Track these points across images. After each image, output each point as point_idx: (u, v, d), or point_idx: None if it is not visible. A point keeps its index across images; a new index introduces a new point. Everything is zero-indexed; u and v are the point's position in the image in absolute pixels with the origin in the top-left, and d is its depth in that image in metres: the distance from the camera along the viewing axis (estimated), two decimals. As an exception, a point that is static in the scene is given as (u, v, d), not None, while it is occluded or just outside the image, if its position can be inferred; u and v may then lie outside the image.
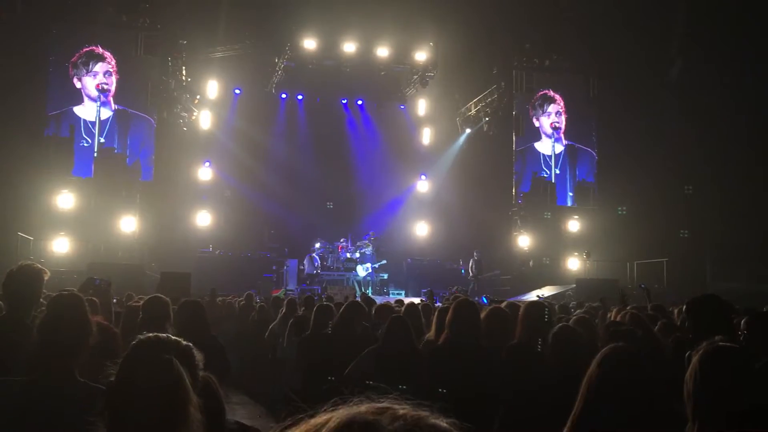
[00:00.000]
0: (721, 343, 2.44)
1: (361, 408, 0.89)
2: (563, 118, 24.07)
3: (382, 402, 0.90)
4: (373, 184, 24.98)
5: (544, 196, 23.21)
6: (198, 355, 2.09)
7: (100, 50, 20.23)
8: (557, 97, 24.07)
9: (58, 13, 20.07)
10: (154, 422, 1.86)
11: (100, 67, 20.18)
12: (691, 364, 2.41)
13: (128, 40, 20.75)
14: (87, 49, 20.13)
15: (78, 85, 20.04)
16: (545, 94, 24.04)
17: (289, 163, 24.52)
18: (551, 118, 23.94)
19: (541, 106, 24.03)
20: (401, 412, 0.88)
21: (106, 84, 20.06)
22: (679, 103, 21.66)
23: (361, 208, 24.65)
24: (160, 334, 2.05)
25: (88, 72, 20.08)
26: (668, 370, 4.57)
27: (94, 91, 19.97)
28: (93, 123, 20.03)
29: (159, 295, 4.51)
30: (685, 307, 4.31)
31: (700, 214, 20.96)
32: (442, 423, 0.88)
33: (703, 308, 4.02)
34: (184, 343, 2.07)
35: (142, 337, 2.04)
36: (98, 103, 19.95)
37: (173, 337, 2.06)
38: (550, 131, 23.86)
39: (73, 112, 19.98)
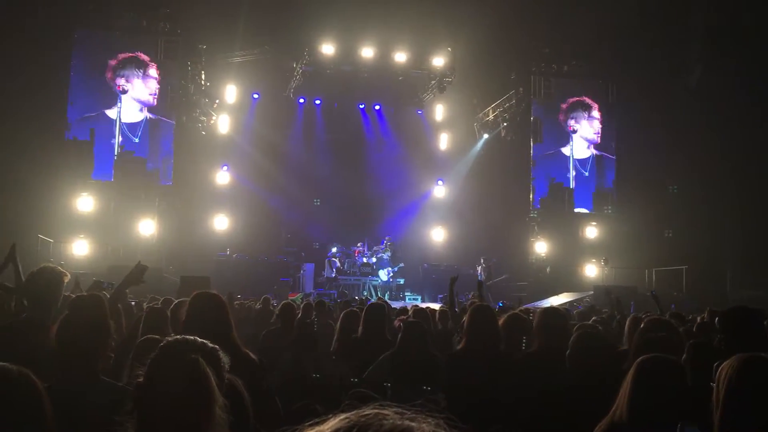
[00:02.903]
0: (756, 353, 2.42)
1: (350, 415, 0.89)
2: (598, 126, 24.07)
3: (375, 409, 0.90)
4: (390, 189, 24.95)
5: (561, 202, 23.10)
6: (224, 357, 2.11)
7: (142, 56, 20.62)
8: (594, 105, 24.06)
9: (79, 18, 20.29)
10: (180, 422, 1.89)
11: (140, 74, 20.59)
12: (725, 372, 2.37)
13: (148, 45, 20.93)
14: (131, 54, 20.46)
15: (117, 87, 20.41)
16: (583, 101, 23.99)
17: (306, 167, 24.59)
18: (593, 126, 23.95)
19: (575, 110, 23.96)
20: (388, 421, 0.87)
21: (148, 92, 20.56)
22: (699, 108, 21.46)
23: (377, 212, 24.64)
24: (187, 336, 2.08)
25: (128, 77, 20.45)
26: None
27: (134, 95, 20.47)
28: (127, 125, 20.40)
29: (185, 299, 4.52)
30: (717, 319, 4.25)
31: (722, 221, 20.72)
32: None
33: (738, 321, 3.97)
34: (210, 345, 2.09)
35: (169, 338, 2.06)
36: (138, 107, 20.46)
37: (199, 339, 2.09)
38: (589, 137, 23.88)
39: (101, 115, 20.30)
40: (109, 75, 20.33)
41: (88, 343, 2.83)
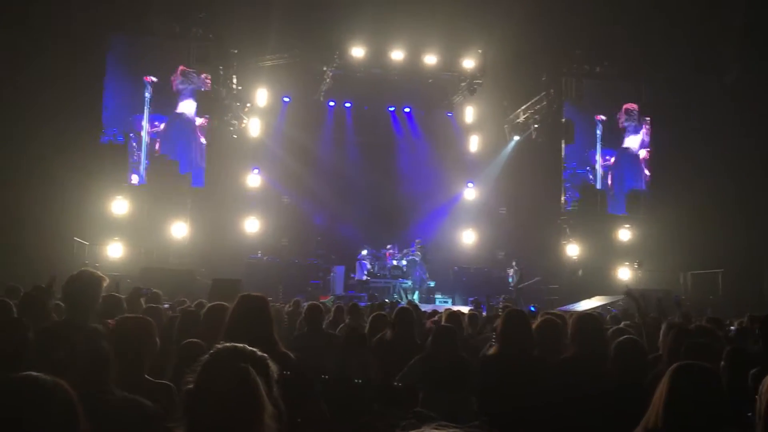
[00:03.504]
0: None
1: None
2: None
3: (434, 429, 0.90)
4: (420, 192, 24.89)
5: (593, 204, 22.86)
6: (273, 366, 2.13)
7: (197, 74, 21.28)
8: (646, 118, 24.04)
9: (113, 23, 20.57)
10: (230, 429, 1.90)
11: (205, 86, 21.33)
12: (766, 385, 2.32)
13: (181, 50, 21.21)
14: (189, 69, 21.16)
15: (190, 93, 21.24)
16: (636, 109, 23.87)
17: (336, 170, 24.66)
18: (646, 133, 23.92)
19: (629, 115, 23.85)
20: None
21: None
22: (735, 108, 21.05)
23: (408, 215, 24.58)
24: (237, 344, 2.10)
25: (200, 85, 21.26)
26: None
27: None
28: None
29: (223, 303, 4.58)
30: (759, 327, 4.16)
31: (758, 222, 20.26)
32: None
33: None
34: (260, 353, 2.11)
35: (219, 346, 2.09)
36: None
37: (249, 348, 2.12)
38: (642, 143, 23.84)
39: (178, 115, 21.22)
40: (174, 79, 20.90)
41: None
